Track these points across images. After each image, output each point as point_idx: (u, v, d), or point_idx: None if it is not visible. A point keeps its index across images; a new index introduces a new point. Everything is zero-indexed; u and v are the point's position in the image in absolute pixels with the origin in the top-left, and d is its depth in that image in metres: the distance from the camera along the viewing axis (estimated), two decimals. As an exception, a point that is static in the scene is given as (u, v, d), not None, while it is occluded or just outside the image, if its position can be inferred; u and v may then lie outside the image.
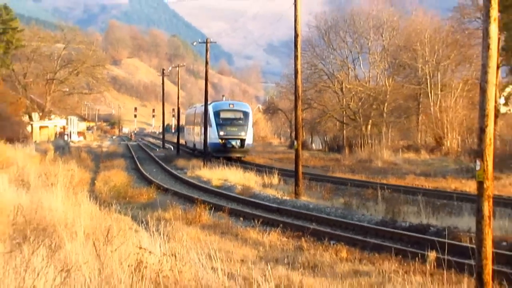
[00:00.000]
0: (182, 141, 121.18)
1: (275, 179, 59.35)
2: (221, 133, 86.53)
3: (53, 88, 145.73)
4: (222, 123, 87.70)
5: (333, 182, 59.29)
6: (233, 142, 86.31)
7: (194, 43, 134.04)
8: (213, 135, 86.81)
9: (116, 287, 12.40)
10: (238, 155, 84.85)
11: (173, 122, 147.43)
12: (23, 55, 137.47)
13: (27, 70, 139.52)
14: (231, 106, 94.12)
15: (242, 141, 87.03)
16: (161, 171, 78.02)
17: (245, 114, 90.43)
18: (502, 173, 54.11)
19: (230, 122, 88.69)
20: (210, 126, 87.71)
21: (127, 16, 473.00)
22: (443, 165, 74.71)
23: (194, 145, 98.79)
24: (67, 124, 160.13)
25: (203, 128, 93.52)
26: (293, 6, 51.95)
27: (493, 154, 19.40)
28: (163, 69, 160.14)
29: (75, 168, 56.19)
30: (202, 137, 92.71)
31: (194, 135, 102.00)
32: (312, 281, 21.36)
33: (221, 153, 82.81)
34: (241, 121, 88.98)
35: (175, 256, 16.96)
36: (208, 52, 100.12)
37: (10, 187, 34.51)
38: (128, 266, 14.96)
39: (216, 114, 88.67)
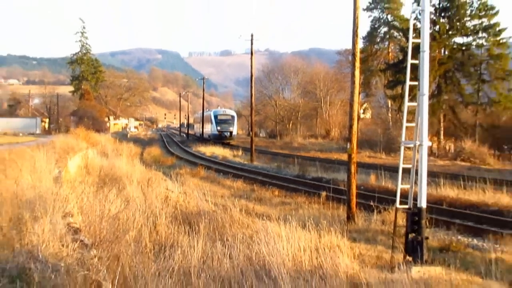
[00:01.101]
0: (191, 132, 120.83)
1: (240, 152, 59.36)
2: (218, 128, 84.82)
3: (121, 103, 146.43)
4: (219, 122, 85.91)
5: (271, 154, 59.28)
6: (225, 133, 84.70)
7: (197, 79, 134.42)
8: (213, 129, 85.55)
9: (154, 210, 12.31)
10: (228, 141, 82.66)
11: (185, 121, 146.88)
12: (105, 85, 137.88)
13: (107, 93, 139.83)
14: (224, 112, 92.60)
15: (231, 133, 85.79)
16: (179, 148, 77.56)
17: (232, 117, 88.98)
18: (361, 150, 54.17)
19: (224, 121, 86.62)
20: (212, 124, 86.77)
21: (161, 64, 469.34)
22: (330, 145, 74.86)
23: (201, 134, 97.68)
24: (128, 122, 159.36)
25: (204, 125, 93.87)
26: (250, 60, 51.79)
27: (356, 139, 19.56)
28: (180, 93, 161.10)
29: (132, 146, 55.82)
30: (204, 130, 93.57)
31: (199, 129, 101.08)
32: (259, 207, 21.40)
33: (218, 139, 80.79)
34: (230, 121, 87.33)
35: (186, 193, 16.98)
36: (204, 84, 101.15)
37: (97, 156, 34.41)
38: (160, 198, 14.92)
39: (216, 117, 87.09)
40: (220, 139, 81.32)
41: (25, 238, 8.28)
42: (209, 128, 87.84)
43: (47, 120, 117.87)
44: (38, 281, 6.65)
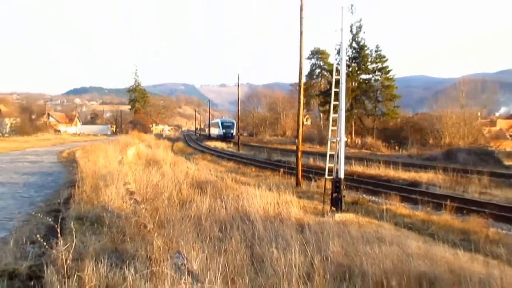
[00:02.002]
0: (202, 133, 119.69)
1: (231, 145, 58.99)
2: (223, 131, 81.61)
3: (159, 116, 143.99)
4: (224, 126, 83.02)
5: (250, 146, 58.69)
6: (228, 134, 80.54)
7: (205, 101, 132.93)
8: (220, 132, 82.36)
9: (179, 180, 12.22)
10: (229, 139, 78.82)
11: (199, 127, 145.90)
12: (149, 105, 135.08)
13: (151, 110, 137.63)
14: (227, 120, 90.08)
15: (232, 134, 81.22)
16: (194, 143, 76.47)
17: (233, 123, 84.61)
18: (304, 143, 53.82)
19: (227, 126, 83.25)
20: (219, 128, 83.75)
21: (184, 92, 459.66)
22: (286, 140, 74.48)
23: (209, 135, 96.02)
24: (163, 127, 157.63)
25: (211, 129, 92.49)
26: (237, 90, 51.55)
27: (302, 137, 19.55)
28: (195, 110, 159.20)
29: (166, 142, 55.26)
30: (211, 132, 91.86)
31: (209, 131, 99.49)
32: (244, 178, 21.16)
33: (223, 139, 77.23)
34: (231, 126, 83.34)
35: (198, 170, 16.79)
36: (209, 104, 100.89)
37: (145, 148, 34.03)
38: (183, 173, 14.78)
39: (222, 123, 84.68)
40: (224, 138, 79.19)
41: (100, 198, 8.34)
42: (217, 131, 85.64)
43: (114, 126, 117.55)
44: (108, 223, 6.69)
